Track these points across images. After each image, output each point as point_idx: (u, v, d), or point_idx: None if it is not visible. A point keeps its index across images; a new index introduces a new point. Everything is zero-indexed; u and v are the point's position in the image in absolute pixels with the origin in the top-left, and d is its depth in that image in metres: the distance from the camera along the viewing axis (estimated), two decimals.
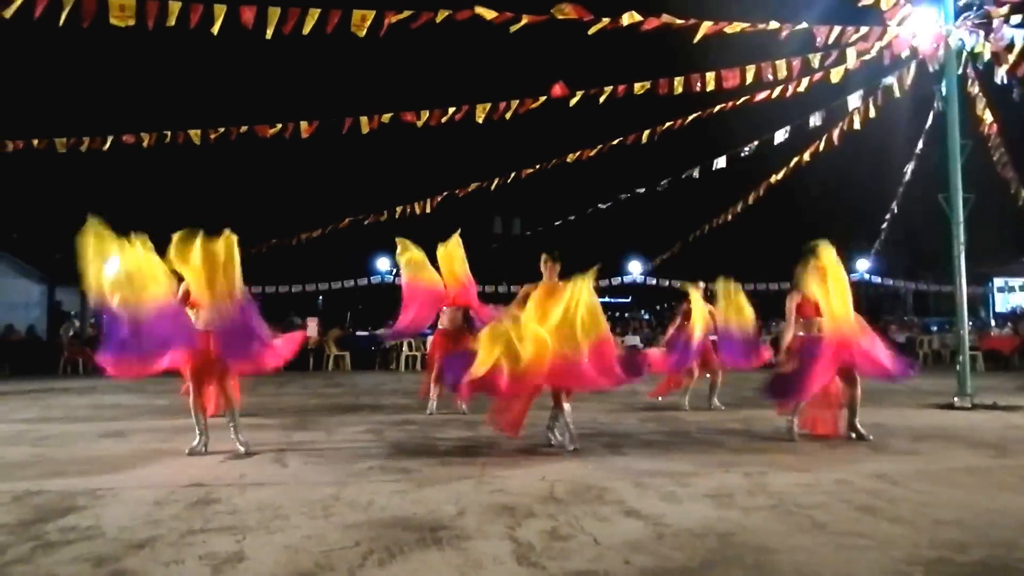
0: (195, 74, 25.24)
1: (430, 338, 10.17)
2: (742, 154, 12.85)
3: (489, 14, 8.38)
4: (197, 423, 6.01)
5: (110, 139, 9.83)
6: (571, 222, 17.41)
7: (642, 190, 14.90)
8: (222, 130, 9.86)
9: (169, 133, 9.85)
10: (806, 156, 13.05)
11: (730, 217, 15.72)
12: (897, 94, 11.25)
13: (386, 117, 9.99)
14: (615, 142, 11.69)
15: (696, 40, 8.93)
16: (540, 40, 9.02)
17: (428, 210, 13.48)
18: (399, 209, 13.66)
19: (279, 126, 9.95)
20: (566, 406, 6.12)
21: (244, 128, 9.90)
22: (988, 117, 12.07)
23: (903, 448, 6.15)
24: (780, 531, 3.61)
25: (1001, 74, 10.60)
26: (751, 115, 11.64)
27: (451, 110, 10.01)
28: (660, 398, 9.59)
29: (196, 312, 6.05)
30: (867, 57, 10.26)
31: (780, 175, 13.79)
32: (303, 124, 9.98)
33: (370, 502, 4.23)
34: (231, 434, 6.02)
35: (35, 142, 9.88)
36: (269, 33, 7.63)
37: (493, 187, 12.70)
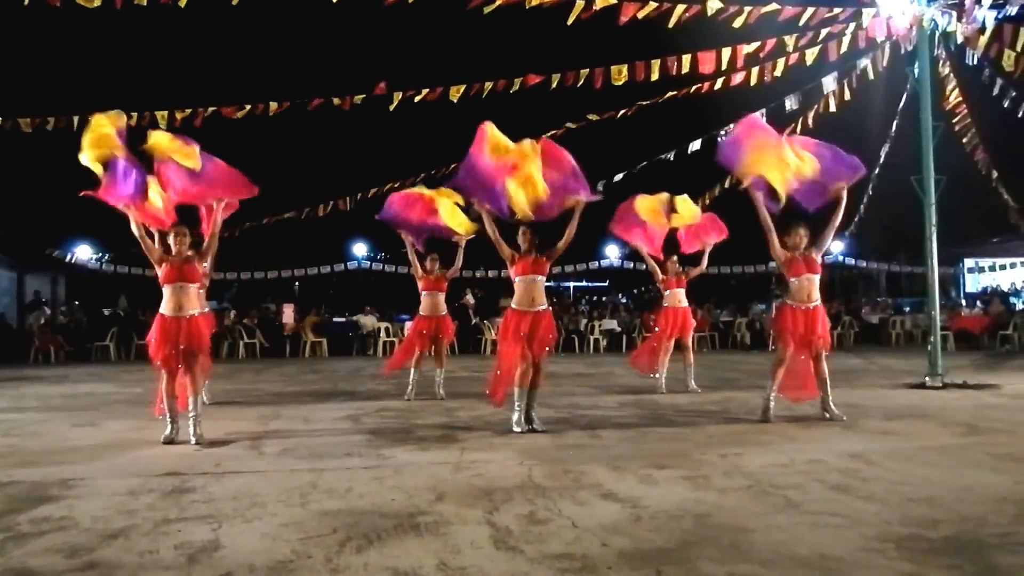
0: (162, 54, 24.78)
1: (408, 323, 10.13)
2: (718, 138, 12.88)
3: None
4: (169, 411, 5.94)
5: (76, 120, 9.62)
6: None
7: (619, 177, 14.86)
8: (189, 111, 9.69)
9: (136, 114, 9.66)
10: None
11: (707, 201, 15.77)
12: (871, 76, 11.33)
13: (359, 98, 9.88)
14: (592, 117, 11.64)
15: (671, 24, 8.91)
16: (516, 20, 8.96)
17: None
18: (373, 191, 13.57)
19: (248, 107, 9.80)
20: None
21: (211, 109, 9.75)
22: (960, 98, 12.19)
23: (876, 428, 6.23)
24: (756, 511, 3.65)
25: (973, 55, 10.71)
26: (728, 100, 11.66)
27: (424, 91, 9.92)
28: (654, 375, 9.46)
29: (169, 295, 5.96)
30: (844, 45, 10.29)
31: None
32: (272, 104, 9.84)
33: (348, 489, 4.22)
34: (190, 424, 5.89)
35: None
36: None
37: None
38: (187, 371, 5.93)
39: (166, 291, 5.96)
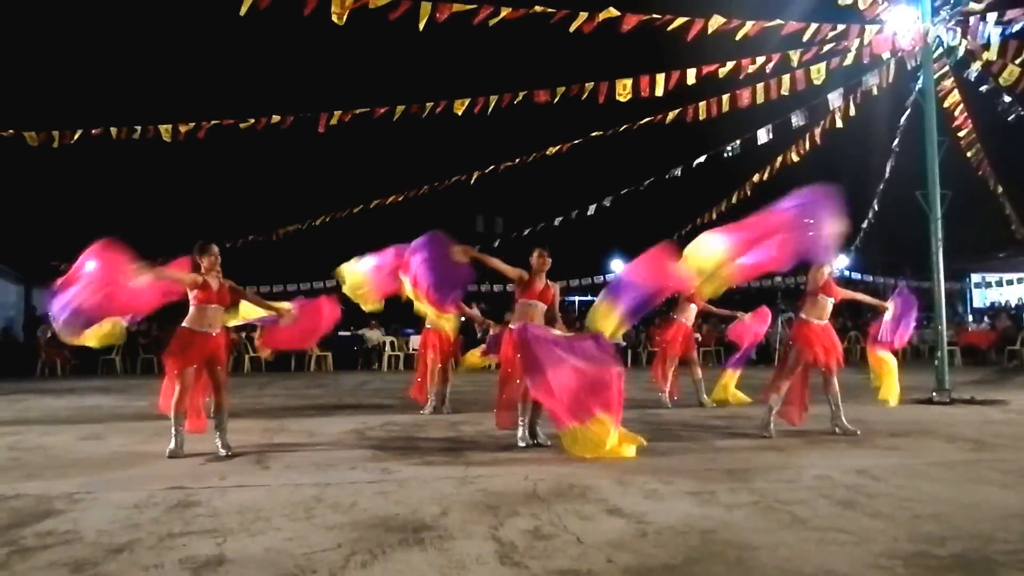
0: (166, 68, 24.92)
1: (416, 337, 10.15)
2: (724, 153, 12.93)
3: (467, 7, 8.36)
4: (175, 423, 5.92)
5: (79, 133, 9.69)
6: (554, 219, 17.43)
7: (625, 191, 14.91)
8: (192, 125, 9.76)
9: (139, 128, 9.73)
10: (790, 155, 13.18)
11: (714, 216, 15.81)
12: (876, 92, 11.37)
13: (359, 111, 9.95)
14: (595, 134, 11.72)
15: (670, 29, 8.96)
16: (521, 34, 9.03)
17: (408, 207, 13.51)
18: (375, 203, 13.64)
19: (251, 120, 9.87)
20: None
21: (214, 122, 9.82)
22: (965, 113, 12.21)
23: (883, 443, 6.20)
24: (762, 527, 3.63)
25: (975, 70, 10.75)
26: (736, 116, 11.73)
27: (428, 105, 9.99)
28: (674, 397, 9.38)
29: (199, 313, 5.96)
30: (847, 61, 10.34)
31: (765, 174, 13.91)
32: (275, 117, 9.91)
33: (352, 503, 4.21)
34: (215, 437, 5.95)
35: (3, 133, 9.72)
36: (243, 10, 7.52)
37: (473, 180, 12.71)
38: (214, 386, 5.99)
39: (198, 309, 5.94)
